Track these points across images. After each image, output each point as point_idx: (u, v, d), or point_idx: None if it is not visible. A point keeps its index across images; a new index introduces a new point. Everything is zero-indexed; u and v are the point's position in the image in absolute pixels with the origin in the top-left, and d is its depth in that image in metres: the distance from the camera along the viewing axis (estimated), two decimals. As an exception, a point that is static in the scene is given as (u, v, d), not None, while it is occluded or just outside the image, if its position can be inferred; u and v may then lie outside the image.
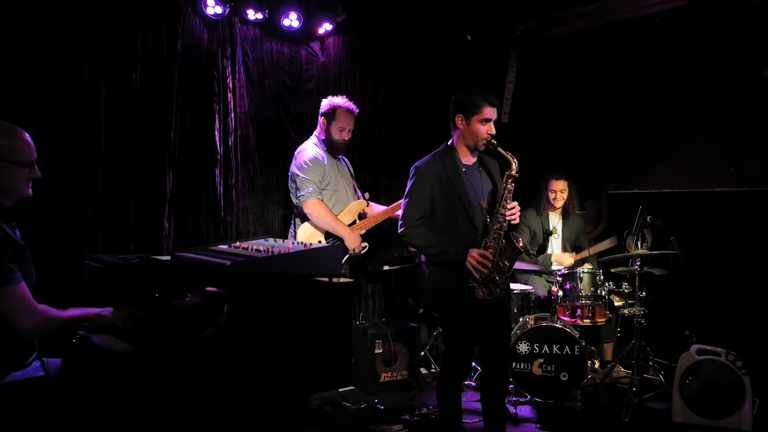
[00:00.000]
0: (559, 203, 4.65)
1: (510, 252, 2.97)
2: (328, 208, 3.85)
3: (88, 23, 3.66)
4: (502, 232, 2.96)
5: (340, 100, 3.94)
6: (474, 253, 2.90)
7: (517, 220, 3.04)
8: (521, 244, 2.97)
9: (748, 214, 4.44)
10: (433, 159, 3.10)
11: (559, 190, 4.62)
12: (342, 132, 3.94)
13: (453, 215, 3.01)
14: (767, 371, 3.85)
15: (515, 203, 3.00)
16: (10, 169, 2.21)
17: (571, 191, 4.67)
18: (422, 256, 3.12)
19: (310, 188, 3.80)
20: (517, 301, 4.33)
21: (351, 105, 3.97)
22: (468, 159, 3.12)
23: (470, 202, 3.01)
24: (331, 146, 3.96)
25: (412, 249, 4.68)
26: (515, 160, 2.99)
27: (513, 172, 2.99)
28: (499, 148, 3.01)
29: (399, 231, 3.06)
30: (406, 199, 3.06)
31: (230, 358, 2.03)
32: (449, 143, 3.15)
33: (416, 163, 3.11)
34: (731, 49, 4.39)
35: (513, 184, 3.00)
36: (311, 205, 3.80)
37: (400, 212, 4.11)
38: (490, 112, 3.01)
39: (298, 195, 3.84)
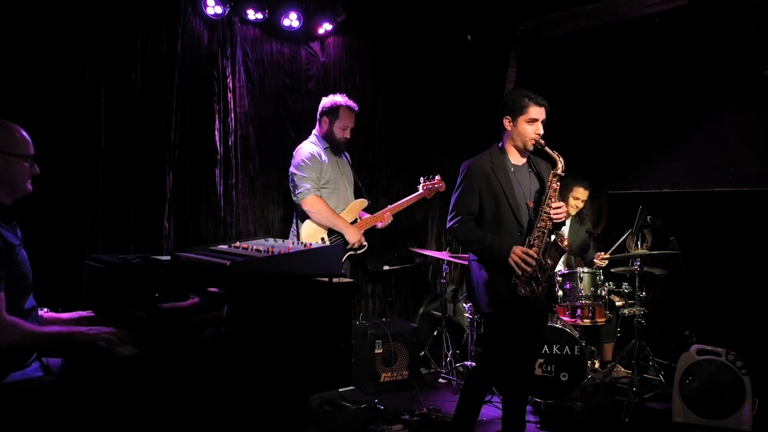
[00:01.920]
0: (575, 210, 4.61)
1: (554, 251, 2.98)
2: (327, 204, 3.85)
3: (88, 23, 3.66)
4: (546, 231, 2.97)
5: (341, 99, 3.96)
6: (517, 250, 2.91)
7: (562, 219, 3.04)
8: (565, 244, 2.98)
9: (748, 214, 4.44)
10: (483, 157, 3.13)
11: (582, 199, 4.57)
12: (344, 131, 3.96)
13: (499, 213, 3.02)
14: (767, 371, 3.85)
15: (561, 203, 3.02)
16: (15, 162, 2.23)
17: (586, 200, 4.64)
18: (470, 253, 3.15)
19: (308, 185, 3.81)
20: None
21: (352, 103, 4.00)
22: (517, 159, 3.14)
23: (516, 201, 3.03)
24: (333, 145, 3.98)
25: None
26: (561, 160, 3.02)
27: (559, 171, 3.02)
28: (547, 148, 3.04)
29: (447, 226, 3.10)
30: (456, 194, 3.09)
31: (230, 358, 2.03)
32: (499, 145, 3.17)
33: (466, 161, 3.13)
34: (731, 49, 4.38)
35: (558, 183, 3.03)
36: (310, 202, 3.80)
37: (379, 224, 4.09)
38: (537, 112, 3.04)
39: (297, 192, 3.85)
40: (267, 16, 4.41)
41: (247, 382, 2.05)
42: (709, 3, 4.26)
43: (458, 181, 3.12)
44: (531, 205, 3.08)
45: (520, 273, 2.91)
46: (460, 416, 3.11)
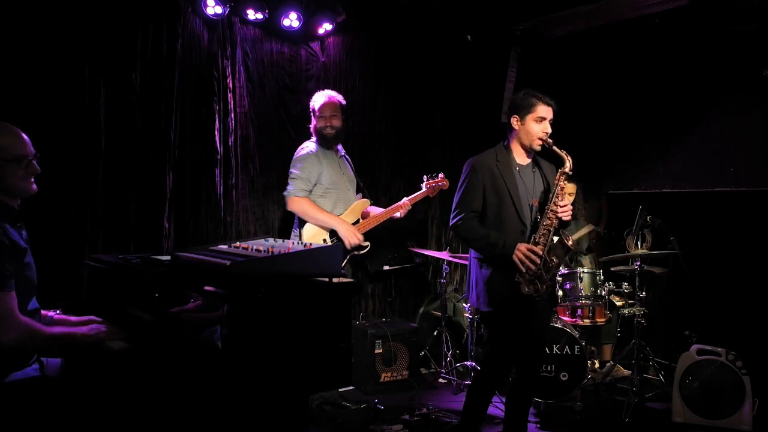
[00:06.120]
0: None
1: (559, 249, 2.96)
2: (312, 202, 3.80)
3: (88, 23, 3.66)
4: (552, 229, 2.96)
5: (316, 95, 3.96)
6: (522, 247, 2.89)
7: (569, 217, 3.03)
8: (571, 242, 2.96)
9: (748, 214, 4.44)
10: (488, 155, 3.11)
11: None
12: (325, 119, 3.86)
13: (503, 212, 3.01)
14: (767, 371, 3.85)
15: (568, 201, 3.02)
16: (6, 167, 2.21)
17: (578, 196, 4.64)
18: (471, 251, 3.13)
19: (292, 186, 3.78)
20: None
21: (328, 93, 3.94)
22: (523, 159, 3.13)
23: (520, 200, 3.02)
24: (321, 138, 3.92)
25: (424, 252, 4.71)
26: (569, 158, 3.02)
27: (567, 170, 3.02)
28: (554, 147, 3.04)
29: (450, 223, 3.08)
30: (459, 192, 3.08)
31: (230, 358, 2.03)
32: (505, 143, 3.16)
33: (471, 159, 3.12)
34: (731, 50, 4.39)
35: (566, 182, 3.03)
36: (292, 203, 3.78)
37: (398, 214, 4.09)
38: (545, 111, 3.04)
39: (284, 193, 3.82)
40: (267, 16, 4.41)
41: (247, 382, 2.05)
42: (709, 3, 4.26)
43: (462, 178, 3.09)
44: (536, 204, 3.07)
45: (524, 270, 2.89)
46: (467, 417, 3.09)
